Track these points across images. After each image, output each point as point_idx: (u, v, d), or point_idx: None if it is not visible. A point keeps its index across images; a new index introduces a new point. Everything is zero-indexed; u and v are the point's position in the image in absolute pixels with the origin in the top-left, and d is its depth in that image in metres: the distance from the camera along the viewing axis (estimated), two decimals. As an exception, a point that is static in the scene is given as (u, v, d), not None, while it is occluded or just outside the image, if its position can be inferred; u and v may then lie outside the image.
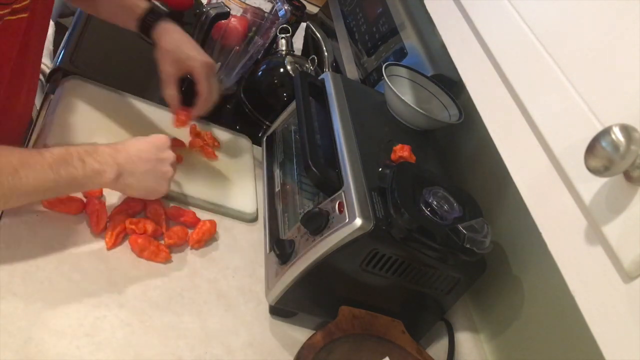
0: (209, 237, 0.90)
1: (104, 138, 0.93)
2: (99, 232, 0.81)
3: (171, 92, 0.94)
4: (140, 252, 0.82)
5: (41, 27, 0.84)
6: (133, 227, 0.82)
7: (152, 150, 0.80)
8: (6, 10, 0.70)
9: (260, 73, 1.25)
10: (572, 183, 0.45)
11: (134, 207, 0.86)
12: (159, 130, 1.03)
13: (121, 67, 1.08)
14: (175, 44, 0.93)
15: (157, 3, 0.97)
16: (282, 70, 1.21)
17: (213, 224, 0.91)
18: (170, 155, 0.83)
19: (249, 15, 1.16)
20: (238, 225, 0.98)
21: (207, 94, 0.95)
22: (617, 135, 0.37)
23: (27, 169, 0.66)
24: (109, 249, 0.80)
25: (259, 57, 1.25)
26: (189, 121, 0.98)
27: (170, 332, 0.76)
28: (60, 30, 1.28)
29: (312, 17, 1.69)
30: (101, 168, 0.74)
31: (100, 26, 1.23)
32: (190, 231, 0.89)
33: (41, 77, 1.14)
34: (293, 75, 1.19)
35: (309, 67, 1.22)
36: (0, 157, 0.66)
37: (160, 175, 0.82)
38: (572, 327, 0.78)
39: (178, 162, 0.98)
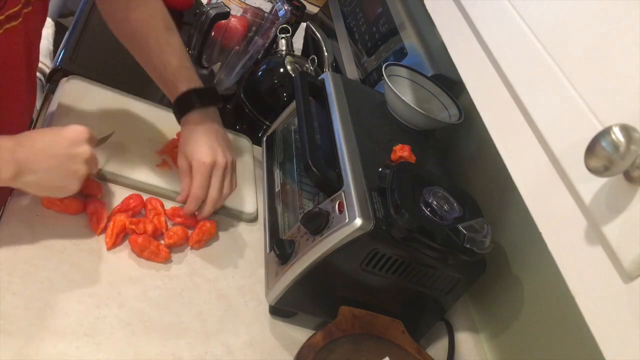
0: (209, 238, 0.90)
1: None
2: (99, 232, 0.81)
3: (183, 185, 0.88)
4: (140, 252, 0.82)
5: (38, 29, 0.83)
6: (133, 227, 0.82)
7: (62, 144, 0.72)
8: (1, 17, 0.69)
9: (260, 73, 1.25)
10: (572, 183, 0.45)
11: (134, 207, 0.86)
12: (159, 130, 1.03)
13: (121, 67, 1.08)
14: (188, 137, 0.88)
15: (207, 88, 0.91)
16: (282, 70, 1.21)
17: (213, 224, 0.91)
18: (84, 150, 0.73)
19: (249, 15, 1.16)
20: (238, 225, 0.98)
21: (209, 195, 0.88)
22: (617, 135, 0.37)
23: None
24: (108, 249, 0.81)
25: (259, 57, 1.25)
26: (193, 220, 0.91)
27: (170, 332, 0.76)
28: (60, 30, 1.28)
29: (312, 17, 1.69)
30: None
31: (100, 26, 1.23)
32: (190, 232, 0.89)
33: (41, 77, 1.14)
34: (293, 75, 1.19)
35: (309, 67, 1.22)
36: None
37: (69, 173, 0.72)
38: (572, 327, 0.78)
39: (165, 167, 0.97)
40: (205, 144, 0.87)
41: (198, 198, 0.87)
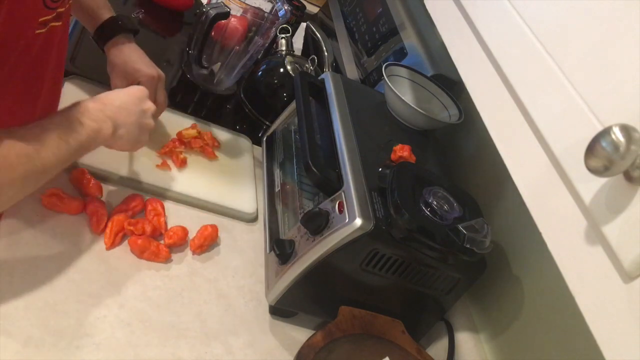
0: (210, 242, 0.90)
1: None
2: (99, 232, 0.81)
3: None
4: (140, 253, 0.82)
5: (66, 32, 0.84)
6: (132, 228, 0.82)
7: (135, 102, 0.79)
8: (51, 16, 0.69)
9: (260, 73, 1.24)
10: (572, 183, 0.45)
11: (134, 207, 0.86)
12: (159, 131, 1.03)
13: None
14: (124, 58, 0.93)
15: (123, 16, 0.95)
16: (282, 70, 1.21)
17: (215, 228, 0.91)
18: (150, 106, 0.82)
19: (249, 15, 1.16)
20: (238, 225, 0.98)
21: (157, 106, 0.93)
22: (617, 135, 0.37)
23: (46, 148, 0.64)
24: (107, 249, 0.80)
25: (259, 57, 1.25)
26: None
27: (170, 332, 0.76)
28: (60, 30, 1.28)
29: (312, 17, 1.69)
30: (98, 126, 0.71)
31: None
32: (190, 235, 0.89)
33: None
34: (293, 75, 1.19)
35: (309, 67, 1.22)
36: (25, 141, 0.63)
37: (143, 126, 0.80)
38: (572, 327, 0.78)
39: (182, 165, 0.99)
40: (143, 61, 0.94)
41: (163, 110, 0.96)
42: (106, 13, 0.94)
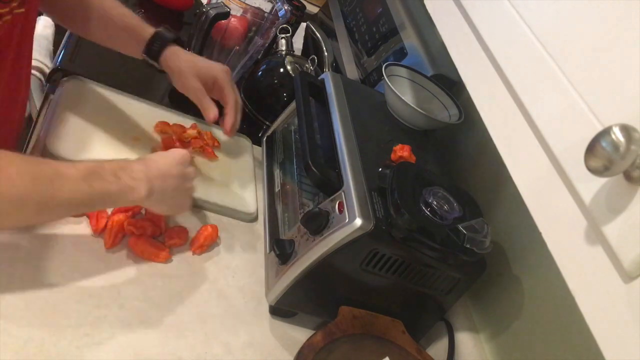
0: (211, 243, 0.90)
1: (103, 138, 0.94)
2: (98, 232, 0.81)
3: (209, 103, 0.95)
4: (141, 254, 0.82)
5: (32, 27, 0.84)
6: (132, 228, 0.82)
7: (178, 167, 0.79)
8: (5, 9, 0.69)
9: (260, 73, 1.25)
10: (572, 183, 0.45)
11: (134, 207, 0.86)
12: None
13: (121, 67, 1.08)
14: (191, 61, 0.96)
15: (163, 28, 0.96)
16: (282, 70, 1.21)
17: (215, 228, 0.91)
18: (192, 170, 0.83)
19: (249, 15, 1.16)
20: (238, 225, 0.98)
21: (235, 97, 0.98)
22: (617, 135, 0.37)
23: (62, 180, 0.64)
24: (107, 248, 0.80)
25: (259, 57, 1.25)
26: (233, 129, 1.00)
27: (170, 332, 0.76)
28: (60, 30, 1.28)
29: (312, 17, 1.69)
30: (135, 184, 0.72)
31: (100, 26, 1.23)
32: (190, 235, 0.89)
33: (41, 77, 1.14)
34: (293, 75, 1.19)
35: (309, 67, 1.22)
36: (36, 165, 0.64)
37: (185, 191, 0.82)
38: (572, 327, 0.78)
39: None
40: (207, 60, 0.97)
41: (240, 102, 1.00)
42: (149, 29, 0.95)
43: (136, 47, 0.95)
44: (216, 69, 0.96)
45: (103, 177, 0.69)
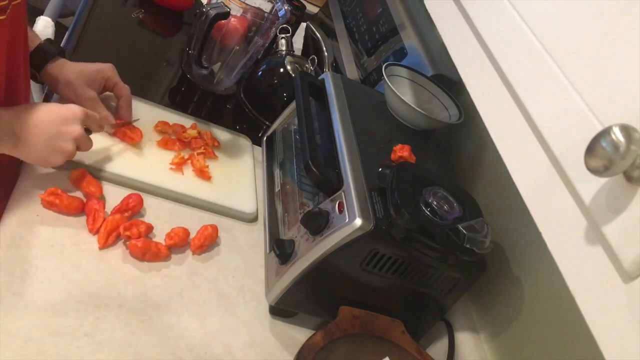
0: (210, 242, 0.90)
1: (103, 138, 0.94)
2: (94, 232, 0.81)
3: (105, 112, 0.93)
4: (142, 256, 0.82)
5: (15, 28, 0.81)
6: (128, 233, 0.82)
7: (55, 121, 0.78)
8: (5, 2, 0.68)
9: (260, 73, 1.25)
10: (572, 183, 0.45)
11: (133, 207, 0.86)
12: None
13: (121, 67, 1.07)
14: (78, 71, 0.92)
15: (46, 41, 0.92)
16: (282, 70, 1.21)
17: (215, 228, 0.91)
18: (74, 129, 0.79)
19: (249, 15, 1.16)
20: (238, 225, 0.98)
21: (127, 89, 0.98)
22: (617, 135, 0.37)
23: None
24: (100, 248, 0.80)
25: (259, 57, 1.25)
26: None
27: (170, 332, 0.76)
28: (60, 30, 1.28)
29: (312, 17, 1.69)
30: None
31: (100, 26, 1.23)
32: (190, 235, 0.89)
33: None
34: (293, 75, 1.19)
35: (309, 67, 1.22)
36: None
37: (55, 148, 0.78)
38: (572, 327, 0.78)
39: (182, 164, 0.99)
40: (92, 63, 0.95)
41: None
42: (34, 40, 0.91)
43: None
44: (105, 69, 0.95)
45: None
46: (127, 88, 0.99)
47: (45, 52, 0.90)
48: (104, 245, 0.80)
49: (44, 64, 0.90)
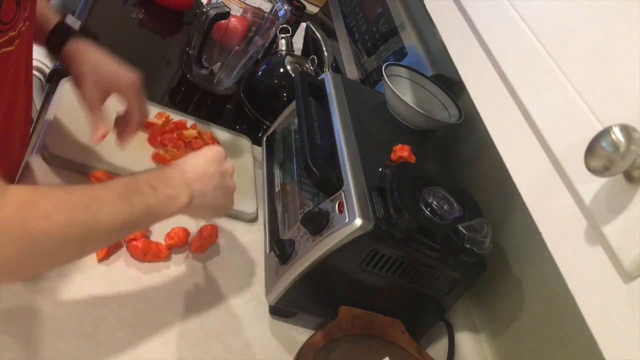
0: (210, 243, 0.90)
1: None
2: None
3: (96, 121, 0.80)
4: (143, 257, 0.82)
5: (25, 60, 0.75)
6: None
7: (214, 165, 0.73)
8: (4, 39, 0.61)
9: (260, 73, 1.25)
10: (572, 183, 0.45)
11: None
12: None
13: (121, 67, 1.07)
14: (95, 64, 0.81)
15: (71, 18, 0.81)
16: (282, 70, 1.21)
17: (215, 228, 0.90)
18: (230, 167, 0.77)
19: (249, 15, 1.16)
20: (238, 226, 0.98)
21: (140, 114, 0.85)
22: (617, 135, 0.37)
23: (99, 204, 0.57)
24: (99, 261, 0.79)
25: (259, 57, 1.25)
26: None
27: (170, 332, 0.76)
28: (60, 30, 1.28)
29: (312, 17, 1.69)
30: (174, 192, 0.66)
31: (100, 26, 1.23)
32: (191, 235, 0.89)
33: (41, 77, 1.14)
34: (293, 75, 1.19)
35: (309, 67, 1.22)
36: (70, 194, 0.57)
37: (226, 190, 0.76)
38: (572, 327, 0.78)
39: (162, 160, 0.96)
40: (118, 65, 0.82)
41: (146, 117, 0.87)
42: (55, 17, 0.81)
43: (41, 39, 0.80)
44: (121, 81, 0.82)
45: (140, 191, 0.62)
46: (140, 114, 0.84)
47: (65, 30, 0.80)
48: (103, 258, 0.79)
49: (62, 44, 0.80)
